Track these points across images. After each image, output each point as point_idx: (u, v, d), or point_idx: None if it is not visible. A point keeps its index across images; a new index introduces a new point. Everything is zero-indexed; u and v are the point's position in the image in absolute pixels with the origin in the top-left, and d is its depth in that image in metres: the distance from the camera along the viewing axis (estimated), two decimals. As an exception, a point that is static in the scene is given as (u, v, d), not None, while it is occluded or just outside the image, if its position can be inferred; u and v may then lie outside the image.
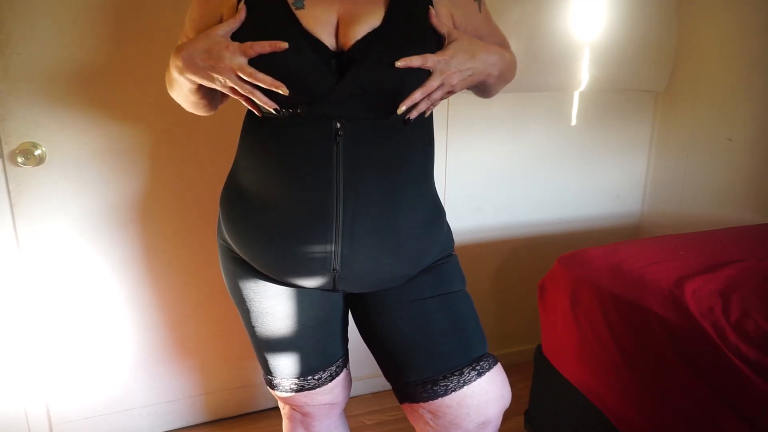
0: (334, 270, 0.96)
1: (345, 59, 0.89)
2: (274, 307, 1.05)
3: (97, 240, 1.60)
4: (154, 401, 1.79)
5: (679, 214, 2.07)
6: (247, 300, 1.07)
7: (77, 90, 1.47)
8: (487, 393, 1.00)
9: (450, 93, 0.92)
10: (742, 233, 1.61)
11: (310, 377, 1.11)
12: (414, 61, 0.86)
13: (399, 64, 0.86)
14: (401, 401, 1.07)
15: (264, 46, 0.85)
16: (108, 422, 1.75)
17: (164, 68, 1.63)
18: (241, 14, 0.90)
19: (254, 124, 0.98)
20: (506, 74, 1.03)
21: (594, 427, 1.37)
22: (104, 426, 1.75)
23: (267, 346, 1.10)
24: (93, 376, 1.70)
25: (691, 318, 1.12)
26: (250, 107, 0.93)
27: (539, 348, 1.58)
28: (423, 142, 1.01)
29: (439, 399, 1.00)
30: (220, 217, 1.08)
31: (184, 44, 0.91)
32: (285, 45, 0.85)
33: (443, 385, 1.00)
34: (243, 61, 0.85)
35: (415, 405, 1.03)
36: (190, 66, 0.89)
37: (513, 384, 2.05)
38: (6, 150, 1.45)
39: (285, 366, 1.10)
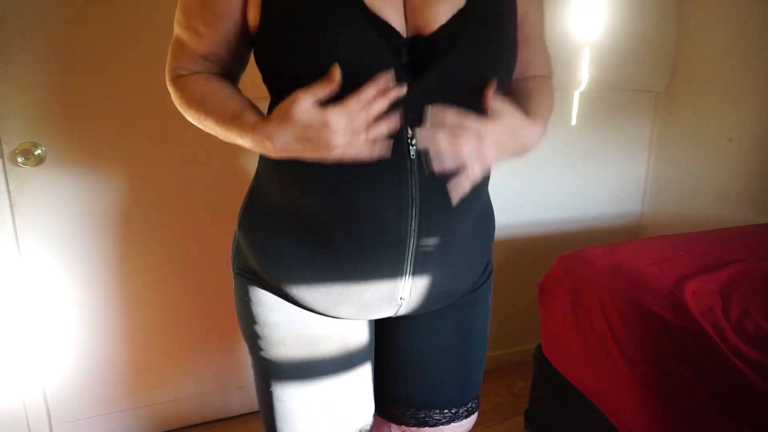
0: (401, 299, 0.84)
1: (423, 48, 0.72)
2: (320, 346, 0.87)
3: (97, 240, 1.60)
4: (154, 401, 1.79)
5: (679, 214, 2.07)
6: (287, 341, 0.87)
7: (77, 90, 1.47)
8: (462, 427, 1.03)
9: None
10: (742, 233, 1.61)
11: None
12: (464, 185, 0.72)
13: (455, 199, 0.73)
14: (381, 415, 1.03)
15: (371, 96, 0.67)
16: (108, 422, 1.75)
17: (164, 67, 1.63)
18: (336, 75, 0.67)
19: None
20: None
21: (594, 427, 1.37)
22: (104, 426, 1.75)
23: (307, 400, 0.88)
24: (93, 376, 1.70)
25: (691, 318, 1.12)
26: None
27: (539, 348, 1.58)
28: None
29: (426, 428, 1.00)
30: (245, 246, 0.88)
31: (264, 128, 0.71)
32: (401, 90, 0.68)
33: (436, 418, 0.99)
34: (355, 126, 0.67)
35: (396, 426, 1.02)
36: (286, 153, 0.71)
37: (513, 384, 2.08)
38: (6, 150, 1.45)
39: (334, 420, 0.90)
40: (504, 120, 0.72)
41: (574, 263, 1.44)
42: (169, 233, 1.66)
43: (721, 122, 1.89)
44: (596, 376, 1.34)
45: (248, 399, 1.92)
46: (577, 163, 2.06)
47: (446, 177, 0.74)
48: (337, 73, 0.67)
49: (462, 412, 1.01)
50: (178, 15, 0.82)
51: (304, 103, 0.67)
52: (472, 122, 0.68)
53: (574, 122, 2.01)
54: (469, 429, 1.04)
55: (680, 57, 1.98)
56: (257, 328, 0.88)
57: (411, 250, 0.79)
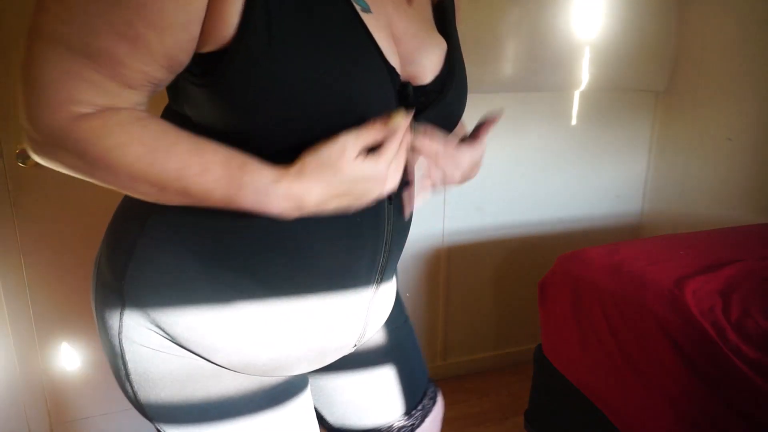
0: (354, 346, 0.77)
1: (412, 94, 0.65)
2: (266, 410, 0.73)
3: (97, 240, 1.59)
4: (154, 401, 1.79)
5: (679, 214, 2.07)
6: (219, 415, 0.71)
7: (77, 90, 1.47)
8: (433, 423, 0.95)
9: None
10: (742, 233, 1.61)
11: None
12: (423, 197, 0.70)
13: (407, 211, 0.71)
14: None
15: (401, 136, 0.60)
16: (108, 422, 1.75)
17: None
18: (390, 131, 0.58)
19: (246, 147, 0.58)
20: None
21: (594, 426, 1.37)
22: (104, 426, 1.75)
23: None
24: (93, 376, 1.70)
25: (691, 318, 1.12)
26: None
27: (539, 348, 1.58)
28: None
29: (421, 422, 0.93)
30: (148, 290, 0.66)
31: (295, 183, 0.55)
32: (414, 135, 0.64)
33: (416, 413, 0.92)
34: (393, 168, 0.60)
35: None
36: (309, 211, 0.57)
37: (513, 384, 2.08)
38: (6, 150, 1.45)
39: None
40: (480, 150, 0.74)
41: (574, 263, 1.44)
42: (169, 233, 1.66)
43: (721, 122, 1.89)
44: (596, 375, 1.34)
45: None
46: (577, 163, 2.06)
47: (405, 219, 0.74)
48: (397, 122, 0.58)
49: (417, 415, 0.92)
50: (75, 9, 0.51)
51: (354, 153, 0.56)
52: (455, 151, 0.69)
53: (574, 122, 2.01)
54: (438, 422, 0.96)
55: (680, 57, 1.98)
56: (185, 401, 0.71)
57: (371, 297, 0.73)
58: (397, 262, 0.78)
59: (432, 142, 0.66)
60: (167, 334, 0.66)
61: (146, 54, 0.52)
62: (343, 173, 0.55)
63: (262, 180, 0.55)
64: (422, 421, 0.92)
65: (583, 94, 1.98)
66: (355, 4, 0.58)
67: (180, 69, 0.56)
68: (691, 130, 2.00)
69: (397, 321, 0.90)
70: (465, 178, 0.74)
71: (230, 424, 0.70)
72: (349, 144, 0.55)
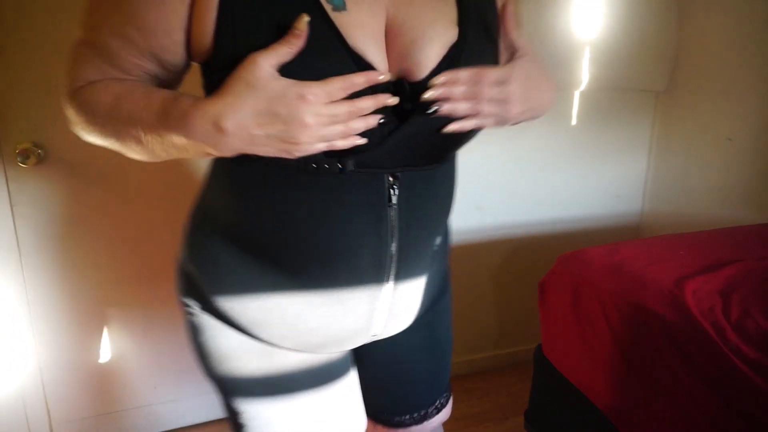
0: (373, 335, 0.80)
1: (408, 93, 0.63)
2: (292, 380, 0.80)
3: (97, 240, 1.60)
4: (154, 401, 1.79)
5: (679, 214, 2.07)
6: (254, 379, 0.78)
7: (77, 90, 1.47)
8: (431, 424, 1.01)
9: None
10: (742, 233, 1.61)
11: None
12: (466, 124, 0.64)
13: (453, 128, 0.64)
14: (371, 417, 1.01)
15: (359, 82, 0.58)
16: (108, 422, 1.75)
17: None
18: (302, 27, 0.56)
19: (267, 175, 0.67)
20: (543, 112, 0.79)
21: (594, 426, 1.37)
22: (104, 426, 1.75)
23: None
24: (93, 376, 1.70)
25: (691, 318, 1.12)
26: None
27: (539, 348, 1.58)
28: (455, 165, 0.82)
29: (412, 426, 0.99)
30: (199, 275, 0.77)
31: (210, 106, 0.56)
32: (382, 76, 0.60)
33: (407, 422, 0.98)
34: (336, 112, 0.58)
35: (383, 428, 1.01)
36: (240, 143, 0.57)
37: (513, 384, 2.08)
38: (6, 150, 1.45)
39: None
40: (528, 58, 0.68)
41: (574, 263, 1.44)
42: (169, 232, 1.66)
43: (721, 122, 1.89)
44: (596, 375, 1.34)
45: (248, 399, 1.92)
46: (577, 163, 2.06)
47: (423, 218, 0.73)
48: (303, 25, 0.56)
49: (432, 411, 0.99)
50: (94, 15, 0.65)
51: (269, 68, 0.56)
52: (492, 72, 0.63)
53: (574, 122, 2.01)
54: (441, 422, 1.03)
55: (680, 57, 1.98)
56: (227, 365, 0.78)
57: (386, 293, 0.75)
58: (421, 262, 0.78)
59: (457, 75, 0.62)
60: (223, 314, 0.76)
61: (134, 49, 0.64)
62: (257, 87, 0.55)
63: (183, 105, 0.58)
64: (431, 417, 0.98)
65: (583, 94, 1.98)
66: (325, 4, 0.59)
67: (174, 68, 0.67)
68: (691, 130, 2.00)
69: (435, 318, 0.92)
70: (525, 102, 0.67)
71: (280, 398, 0.78)
72: (260, 58, 0.56)
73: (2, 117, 1.43)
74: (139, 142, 0.64)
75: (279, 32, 0.57)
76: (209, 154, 0.61)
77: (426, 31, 0.65)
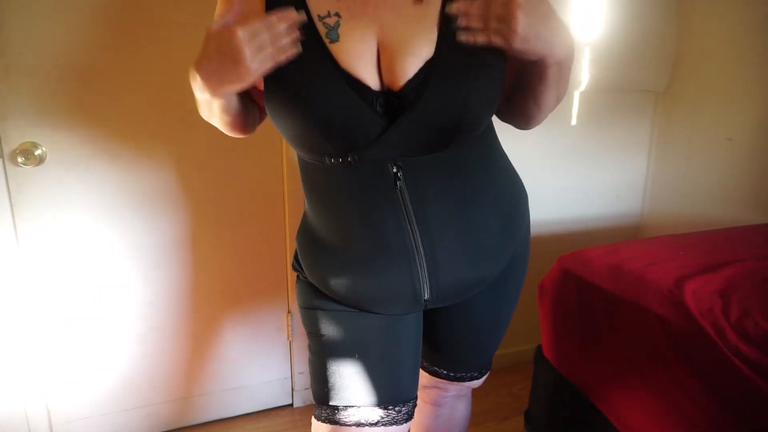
0: (425, 301, 0.92)
1: (394, 99, 0.79)
2: (359, 331, 0.96)
3: (97, 240, 1.60)
4: (154, 401, 1.79)
5: (679, 214, 2.07)
6: (328, 325, 0.96)
7: (77, 90, 1.47)
8: (473, 385, 1.21)
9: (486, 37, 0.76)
10: (742, 233, 1.61)
11: (391, 408, 0.97)
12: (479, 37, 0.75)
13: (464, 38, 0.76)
14: (430, 373, 1.19)
15: (273, 18, 0.74)
16: (108, 422, 1.75)
17: (164, 68, 1.62)
18: (282, 18, 0.75)
19: (307, 167, 0.91)
20: (566, 70, 0.86)
21: (594, 426, 1.37)
22: (104, 426, 1.75)
23: (351, 370, 0.95)
24: (93, 376, 1.70)
25: (691, 318, 1.12)
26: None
27: (539, 348, 1.58)
28: (487, 144, 0.94)
29: (464, 382, 1.18)
30: (298, 252, 1.01)
31: (195, 64, 0.78)
32: (300, 16, 0.76)
33: (469, 376, 1.18)
34: (261, 38, 0.75)
35: (443, 381, 1.18)
36: (210, 76, 0.77)
37: (513, 384, 2.08)
38: (6, 150, 1.45)
39: (368, 391, 0.95)
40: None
41: (574, 263, 1.44)
42: (169, 233, 1.66)
43: (721, 122, 1.89)
44: (596, 376, 1.34)
45: (248, 399, 1.92)
46: (577, 164, 2.06)
47: (440, 192, 0.86)
48: (295, 15, 0.75)
49: (468, 376, 1.17)
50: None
51: (214, 24, 0.76)
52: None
53: (574, 122, 2.01)
54: (473, 387, 1.21)
55: (680, 57, 1.98)
56: (312, 315, 0.98)
57: (421, 258, 0.87)
58: (458, 243, 0.89)
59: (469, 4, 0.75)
60: (308, 280, 0.99)
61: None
62: (207, 35, 0.75)
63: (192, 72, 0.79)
64: (467, 381, 1.17)
65: (583, 94, 1.98)
66: (324, 39, 0.79)
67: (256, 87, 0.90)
68: (691, 130, 2.00)
69: (495, 299, 1.07)
70: (535, 34, 0.74)
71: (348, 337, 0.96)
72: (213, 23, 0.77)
73: (2, 117, 1.43)
74: (210, 110, 0.87)
75: (298, 72, 0.78)
76: (215, 94, 0.79)
77: (403, 47, 0.79)
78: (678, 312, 1.15)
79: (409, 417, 0.99)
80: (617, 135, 2.09)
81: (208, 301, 1.76)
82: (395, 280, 0.89)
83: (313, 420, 0.99)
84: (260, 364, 1.89)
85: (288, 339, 1.90)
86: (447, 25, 0.80)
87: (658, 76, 2.02)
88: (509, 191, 1.01)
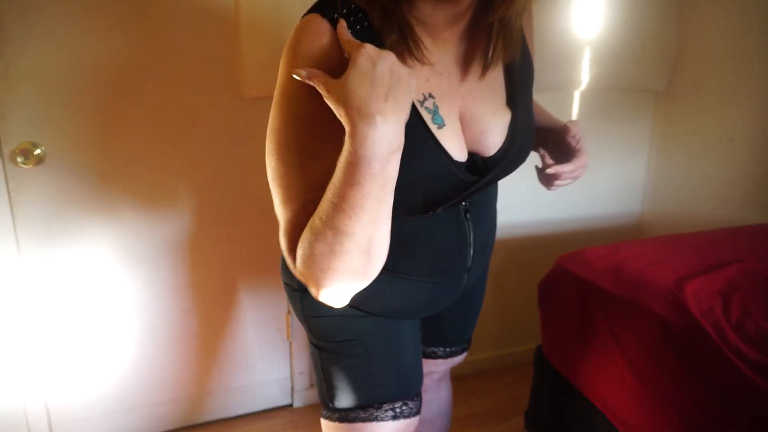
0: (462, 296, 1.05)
1: (481, 163, 0.87)
2: (395, 336, 1.03)
3: (97, 240, 1.60)
4: (154, 401, 1.79)
5: (679, 214, 2.07)
6: (367, 340, 1.00)
7: (77, 90, 1.47)
8: (453, 362, 1.28)
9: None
10: (742, 233, 1.61)
11: (417, 399, 1.05)
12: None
13: (550, 171, 1.04)
14: (426, 356, 1.25)
15: None
16: (108, 422, 1.75)
17: (163, 68, 1.62)
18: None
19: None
20: None
21: (594, 427, 1.37)
22: (104, 426, 1.75)
23: (389, 371, 1.02)
24: (93, 376, 1.70)
25: (691, 318, 1.12)
26: None
27: (539, 348, 1.58)
28: None
29: (455, 357, 1.26)
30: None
31: (356, 125, 0.64)
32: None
33: (461, 348, 1.26)
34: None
35: (434, 363, 1.25)
36: (390, 116, 0.65)
37: (513, 384, 2.08)
38: (6, 150, 1.45)
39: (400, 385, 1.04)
40: (584, 157, 1.10)
41: (574, 263, 1.44)
42: (169, 232, 1.66)
43: (721, 122, 1.89)
44: (596, 376, 1.34)
45: (249, 399, 1.92)
46: (577, 163, 2.06)
47: (486, 211, 1.02)
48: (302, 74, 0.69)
49: (457, 351, 1.25)
50: (281, 151, 0.73)
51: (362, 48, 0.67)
52: (579, 166, 1.08)
53: (574, 122, 2.01)
54: (455, 364, 1.29)
55: (680, 57, 1.98)
56: (357, 338, 0.99)
57: (468, 269, 0.99)
58: (483, 254, 1.02)
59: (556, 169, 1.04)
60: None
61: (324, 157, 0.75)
62: (370, 72, 0.64)
63: (348, 155, 0.65)
64: (456, 356, 1.25)
65: (583, 94, 1.98)
66: (431, 126, 0.79)
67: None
68: (691, 130, 2.00)
69: (481, 285, 1.20)
70: (578, 176, 1.08)
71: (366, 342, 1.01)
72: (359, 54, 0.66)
73: (2, 117, 1.43)
74: (355, 220, 0.67)
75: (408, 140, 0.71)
76: (388, 157, 0.66)
77: (490, 122, 0.86)
78: (678, 312, 1.15)
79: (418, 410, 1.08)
80: (617, 135, 2.09)
81: (208, 302, 1.75)
82: (449, 293, 1.00)
83: (332, 424, 1.01)
84: (260, 365, 1.89)
85: (288, 339, 1.90)
86: (511, 84, 0.88)
87: (658, 76, 2.02)
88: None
